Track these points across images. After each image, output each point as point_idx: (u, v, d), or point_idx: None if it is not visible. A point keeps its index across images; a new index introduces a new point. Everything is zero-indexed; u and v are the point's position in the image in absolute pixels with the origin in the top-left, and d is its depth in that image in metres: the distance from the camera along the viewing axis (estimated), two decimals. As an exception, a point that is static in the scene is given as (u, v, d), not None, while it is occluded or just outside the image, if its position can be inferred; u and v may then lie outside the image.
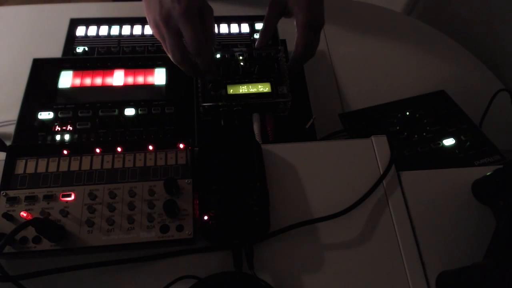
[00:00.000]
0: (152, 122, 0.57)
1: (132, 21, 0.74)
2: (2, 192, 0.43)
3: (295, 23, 0.59)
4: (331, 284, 0.43)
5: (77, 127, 0.56)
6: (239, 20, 0.74)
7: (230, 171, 0.46)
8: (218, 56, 0.60)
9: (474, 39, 0.89)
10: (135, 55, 0.69)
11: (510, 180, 0.44)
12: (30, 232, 0.40)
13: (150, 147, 0.47)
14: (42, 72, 0.61)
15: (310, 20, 0.58)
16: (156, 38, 0.54)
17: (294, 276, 0.43)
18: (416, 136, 0.61)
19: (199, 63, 0.53)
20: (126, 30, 0.72)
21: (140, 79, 0.62)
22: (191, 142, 0.48)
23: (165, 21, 0.49)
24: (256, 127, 0.59)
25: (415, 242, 0.45)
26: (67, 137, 0.56)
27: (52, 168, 0.45)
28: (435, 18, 1.03)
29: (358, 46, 0.82)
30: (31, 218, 0.41)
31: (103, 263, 0.41)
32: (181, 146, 0.47)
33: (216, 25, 0.73)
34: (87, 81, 0.61)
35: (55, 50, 0.69)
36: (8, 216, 0.41)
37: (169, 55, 0.54)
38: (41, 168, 0.45)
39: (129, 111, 0.58)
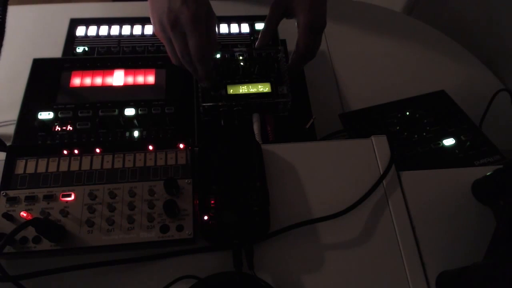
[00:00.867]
0: (152, 122, 0.57)
1: (132, 21, 0.74)
2: (2, 192, 0.43)
3: (296, 24, 0.60)
4: (331, 284, 0.43)
5: (77, 127, 0.56)
6: (239, 20, 0.74)
7: (230, 171, 0.46)
8: (218, 56, 0.60)
9: (474, 39, 0.88)
10: (135, 55, 0.69)
11: (510, 180, 0.44)
12: (30, 232, 0.40)
13: (150, 147, 0.47)
14: (42, 72, 0.61)
15: (312, 21, 0.58)
16: (156, 38, 0.54)
17: (294, 276, 0.43)
18: (416, 136, 0.61)
19: (199, 69, 0.53)
20: (126, 30, 0.72)
21: (140, 79, 0.62)
22: (191, 142, 0.48)
23: (172, 24, 0.49)
24: (256, 127, 0.59)
25: (415, 242, 0.45)
26: (67, 137, 0.56)
27: (52, 168, 0.45)
28: (435, 18, 1.03)
29: (358, 46, 0.82)
30: (31, 218, 0.41)
31: (103, 263, 0.41)
32: (181, 146, 0.47)
33: (216, 25, 0.73)
34: (87, 81, 0.61)
35: (55, 50, 0.69)
36: (8, 216, 0.41)
37: (172, 57, 0.54)
38: (41, 168, 0.45)
39: (129, 111, 0.58)
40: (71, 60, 0.63)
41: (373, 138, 0.52)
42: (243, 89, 0.58)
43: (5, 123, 0.62)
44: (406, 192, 0.49)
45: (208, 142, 0.48)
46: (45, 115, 0.57)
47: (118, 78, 0.61)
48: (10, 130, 0.56)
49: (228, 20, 0.74)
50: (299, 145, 0.52)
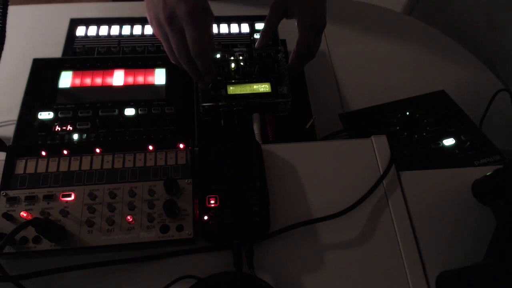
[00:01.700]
0: (152, 122, 0.57)
1: (132, 21, 0.74)
2: (2, 192, 0.43)
3: (296, 24, 0.60)
4: (331, 284, 0.43)
5: (77, 127, 0.56)
6: (239, 20, 0.74)
7: (230, 171, 0.46)
8: (218, 56, 0.60)
9: (474, 39, 0.88)
10: (135, 55, 0.69)
11: (510, 180, 0.44)
12: (30, 232, 0.40)
13: (150, 147, 0.47)
14: (42, 72, 0.61)
15: (312, 21, 0.58)
16: (156, 38, 0.54)
17: (294, 276, 0.43)
18: (416, 136, 0.61)
19: (199, 64, 0.53)
20: (126, 30, 0.72)
21: (140, 79, 0.62)
22: (191, 142, 0.48)
23: (169, 20, 0.48)
24: (256, 127, 0.59)
25: (415, 242, 0.45)
26: (67, 137, 0.56)
27: (52, 168, 0.45)
28: (435, 18, 1.03)
29: (358, 46, 0.82)
30: (31, 218, 0.41)
31: (103, 263, 0.41)
32: (181, 146, 0.47)
33: (216, 25, 0.73)
34: (87, 81, 0.61)
35: (55, 50, 0.69)
36: (8, 216, 0.41)
37: (170, 55, 0.53)
38: (41, 168, 0.45)
39: (129, 111, 0.58)
40: (71, 60, 0.63)
41: (373, 138, 0.52)
42: (243, 89, 0.58)
43: (5, 123, 0.62)
44: (406, 192, 0.49)
45: (208, 142, 0.48)
46: (45, 115, 0.57)
47: (118, 78, 0.61)
48: (10, 130, 0.56)
49: (228, 20, 0.74)
50: (299, 145, 0.52)
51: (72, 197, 0.43)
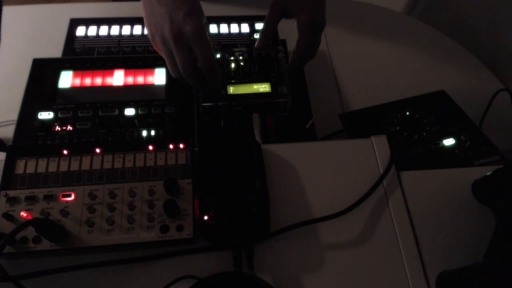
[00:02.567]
0: (152, 122, 0.57)
1: (132, 21, 0.74)
2: (2, 192, 0.43)
3: (296, 24, 0.60)
4: (331, 284, 0.43)
5: (77, 127, 0.56)
6: (239, 20, 0.74)
7: (230, 171, 0.46)
8: (218, 56, 0.60)
9: (474, 39, 0.88)
10: (135, 55, 0.69)
11: (510, 180, 0.44)
12: (30, 232, 0.40)
13: (150, 147, 0.47)
14: (42, 72, 0.61)
15: (312, 21, 0.58)
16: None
17: (294, 276, 0.43)
18: (416, 136, 0.61)
19: (209, 78, 0.52)
20: (126, 30, 0.72)
21: (140, 79, 0.62)
22: (191, 142, 0.48)
23: (175, 38, 0.48)
24: (256, 127, 0.59)
25: (415, 242, 0.45)
26: (67, 137, 0.56)
27: (52, 168, 0.45)
28: (435, 18, 1.03)
29: (358, 46, 0.82)
30: (31, 218, 0.41)
31: (103, 263, 0.41)
32: (181, 146, 0.47)
33: (216, 25, 0.73)
34: (87, 81, 0.61)
35: (55, 50, 0.69)
36: (8, 216, 0.41)
37: (172, 70, 0.53)
38: (41, 168, 0.45)
39: (129, 111, 0.58)
40: (71, 60, 0.63)
41: (373, 138, 0.52)
42: (243, 89, 0.58)
43: (5, 123, 0.62)
44: (406, 192, 0.49)
45: (208, 142, 0.48)
46: (45, 115, 0.57)
47: (118, 78, 0.61)
48: (10, 130, 0.56)
49: (228, 20, 0.74)
50: (299, 145, 0.52)
51: (72, 197, 0.43)
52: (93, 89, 0.60)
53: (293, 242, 0.45)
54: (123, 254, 0.42)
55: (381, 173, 0.49)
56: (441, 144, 0.60)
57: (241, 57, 0.61)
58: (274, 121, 0.60)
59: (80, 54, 0.68)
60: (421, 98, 0.66)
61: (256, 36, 0.72)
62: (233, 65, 0.60)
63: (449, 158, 0.59)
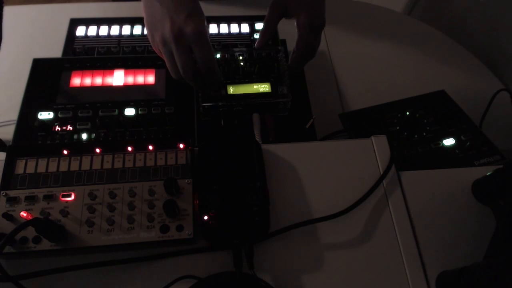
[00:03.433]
0: (152, 122, 0.57)
1: (132, 21, 0.74)
2: (2, 192, 0.43)
3: (295, 23, 0.60)
4: (331, 284, 0.43)
5: (77, 127, 0.56)
6: (239, 20, 0.74)
7: (230, 171, 0.46)
8: (218, 56, 0.60)
9: (474, 39, 0.89)
10: (135, 55, 0.69)
11: (510, 180, 0.44)
12: (30, 232, 0.40)
13: (150, 147, 0.47)
14: (42, 72, 0.61)
15: (312, 21, 0.58)
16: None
17: (294, 276, 0.43)
18: (416, 136, 0.61)
19: (209, 79, 0.53)
20: (126, 30, 0.72)
21: (140, 79, 0.62)
22: (191, 142, 0.48)
23: (176, 38, 0.48)
24: (256, 127, 0.59)
25: (415, 242, 0.45)
26: (67, 137, 0.56)
27: (52, 168, 0.45)
28: (435, 18, 1.03)
29: (358, 46, 0.82)
30: (31, 218, 0.41)
31: (103, 263, 0.41)
32: (181, 146, 0.47)
33: (216, 25, 0.74)
34: (87, 81, 0.61)
35: (55, 50, 0.69)
36: (8, 216, 0.41)
37: (172, 71, 0.53)
38: (41, 168, 0.45)
39: (129, 111, 0.58)
40: (71, 60, 0.63)
41: (373, 138, 0.52)
42: (243, 89, 0.58)
43: (5, 123, 0.62)
44: (406, 192, 0.49)
45: (208, 142, 0.48)
46: (45, 115, 0.57)
47: (118, 78, 0.61)
48: (10, 130, 0.56)
49: (228, 20, 0.74)
50: (299, 145, 0.52)
51: (72, 197, 0.43)
52: (93, 89, 0.60)
53: (293, 242, 0.45)
54: (123, 254, 0.42)
55: (381, 173, 0.49)
56: (441, 144, 0.60)
57: (241, 57, 0.61)
58: (274, 121, 0.60)
59: (80, 54, 0.68)
60: (421, 98, 0.66)
61: (256, 36, 0.72)
62: (233, 65, 0.60)
63: (449, 158, 0.59)
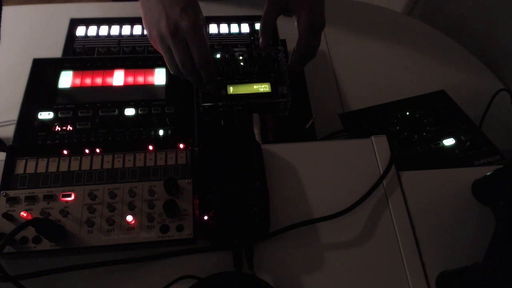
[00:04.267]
0: (152, 122, 0.57)
1: (132, 21, 0.74)
2: (2, 192, 0.43)
3: (296, 23, 0.59)
4: (331, 284, 0.43)
5: (77, 127, 0.56)
6: (239, 20, 0.74)
7: (230, 171, 0.46)
8: (218, 56, 0.60)
9: (474, 39, 0.88)
10: (135, 55, 0.69)
11: (510, 180, 0.44)
12: (30, 232, 0.40)
13: (150, 147, 0.47)
14: (42, 72, 0.61)
15: (312, 21, 0.57)
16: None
17: (294, 276, 0.43)
18: (416, 136, 0.61)
19: (203, 75, 0.53)
20: (126, 30, 0.72)
21: (140, 79, 0.62)
22: (191, 142, 0.48)
23: (172, 33, 0.48)
24: (256, 127, 0.59)
25: (415, 242, 0.45)
26: (67, 137, 0.56)
27: (52, 168, 0.45)
28: (435, 18, 1.03)
29: (358, 46, 0.82)
30: (31, 218, 0.41)
31: (103, 263, 0.41)
32: (181, 146, 0.47)
33: (216, 25, 0.73)
34: (87, 81, 0.61)
35: (55, 50, 0.69)
36: (8, 216, 0.41)
37: (171, 67, 0.53)
38: (41, 168, 0.45)
39: (129, 111, 0.58)
40: (71, 60, 0.63)
41: (373, 138, 0.52)
42: (243, 89, 0.58)
43: (5, 123, 0.62)
44: (406, 192, 0.49)
45: (208, 142, 0.48)
46: (45, 115, 0.57)
47: (118, 78, 0.61)
48: (10, 130, 0.56)
49: (228, 20, 0.74)
50: (299, 145, 0.52)
51: (72, 197, 0.43)
52: (93, 89, 0.60)
53: (293, 242, 0.45)
54: (123, 254, 0.42)
55: (381, 173, 0.49)
56: (441, 144, 0.60)
57: (241, 57, 0.61)
58: (274, 121, 0.60)
59: (80, 54, 0.68)
60: (421, 98, 0.66)
61: (256, 36, 0.72)
62: (233, 65, 0.60)
63: (449, 158, 0.59)
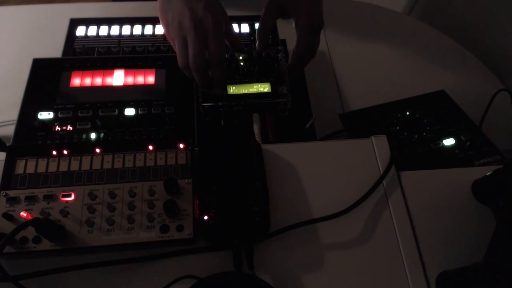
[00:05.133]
0: (152, 122, 0.57)
1: (132, 21, 0.74)
2: (2, 192, 0.43)
3: (293, 25, 0.59)
4: (331, 284, 0.43)
5: (77, 127, 0.56)
6: (239, 20, 0.74)
7: (230, 171, 0.46)
8: None
9: (474, 39, 0.89)
10: (135, 55, 0.69)
11: (510, 180, 0.44)
12: (30, 232, 0.40)
13: (150, 147, 0.47)
14: (42, 72, 0.61)
15: (311, 22, 0.57)
16: (156, 39, 0.54)
17: (294, 276, 0.43)
18: (416, 136, 0.61)
19: (215, 74, 0.53)
20: (126, 30, 0.72)
21: (140, 79, 0.62)
22: (191, 142, 0.48)
23: (195, 27, 0.49)
24: (256, 127, 0.59)
25: (415, 242, 0.45)
26: (67, 137, 0.56)
27: (52, 168, 0.45)
28: (435, 18, 1.03)
29: (358, 46, 0.82)
30: (31, 218, 0.41)
31: (103, 263, 0.41)
32: (181, 146, 0.47)
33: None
34: (87, 81, 0.61)
35: (55, 50, 0.69)
36: (8, 216, 0.41)
37: (180, 59, 0.53)
38: (41, 168, 0.45)
39: (129, 111, 0.58)
40: (71, 60, 0.63)
41: (373, 138, 0.52)
42: (243, 89, 0.58)
43: (5, 123, 0.62)
44: (406, 192, 0.49)
45: (208, 142, 0.48)
46: (45, 115, 0.57)
47: (118, 78, 0.61)
48: (10, 130, 0.56)
49: (228, 20, 0.74)
50: (299, 145, 0.52)
51: (72, 197, 0.43)
52: (93, 89, 0.60)
53: (293, 242, 0.45)
54: (123, 254, 0.42)
55: (381, 173, 0.49)
56: (441, 144, 0.60)
57: (241, 57, 0.61)
58: (274, 121, 0.60)
59: (80, 54, 0.68)
60: (421, 98, 0.66)
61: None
62: (233, 65, 0.60)
63: (449, 158, 0.59)
